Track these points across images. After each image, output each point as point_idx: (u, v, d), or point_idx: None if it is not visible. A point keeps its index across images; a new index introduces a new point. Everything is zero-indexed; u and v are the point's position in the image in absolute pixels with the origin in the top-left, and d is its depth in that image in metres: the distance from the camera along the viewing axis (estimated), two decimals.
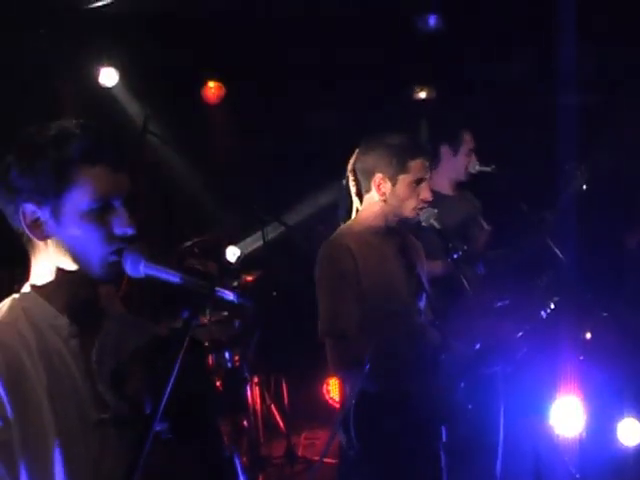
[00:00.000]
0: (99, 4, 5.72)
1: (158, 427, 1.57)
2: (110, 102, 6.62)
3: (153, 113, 5.72)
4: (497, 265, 4.19)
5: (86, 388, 1.73)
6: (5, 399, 1.64)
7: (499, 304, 3.58)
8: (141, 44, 6.27)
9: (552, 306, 3.34)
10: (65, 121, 1.73)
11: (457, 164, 4.41)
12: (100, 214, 1.69)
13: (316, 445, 5.92)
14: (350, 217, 3.27)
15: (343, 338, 3.01)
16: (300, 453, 5.74)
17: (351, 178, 3.22)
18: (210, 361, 5.38)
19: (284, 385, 6.14)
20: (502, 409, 3.64)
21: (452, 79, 6.64)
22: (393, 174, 3.09)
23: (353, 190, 3.23)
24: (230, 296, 1.59)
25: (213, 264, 5.87)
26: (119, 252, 1.69)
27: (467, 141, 4.41)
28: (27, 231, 1.71)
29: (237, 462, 1.78)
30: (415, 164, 3.09)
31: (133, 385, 1.70)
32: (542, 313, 3.35)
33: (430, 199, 3.14)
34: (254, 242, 6.61)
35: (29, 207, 1.69)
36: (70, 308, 1.76)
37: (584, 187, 4.30)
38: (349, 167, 3.23)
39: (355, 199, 3.24)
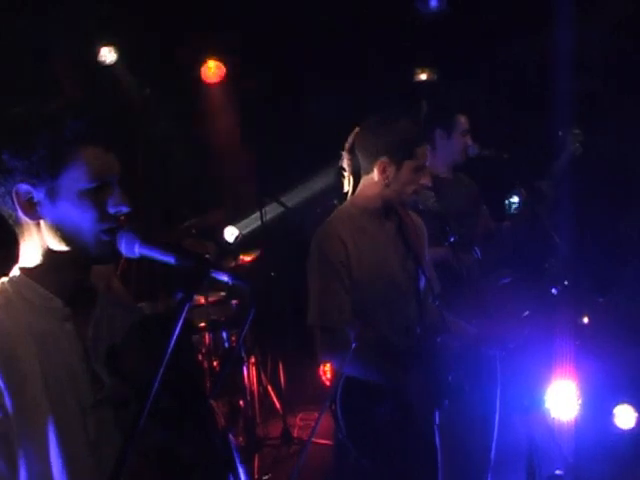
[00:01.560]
0: None
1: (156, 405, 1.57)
2: (109, 80, 6.59)
3: (152, 92, 5.71)
4: (496, 248, 4.20)
5: (82, 370, 1.73)
6: (3, 387, 1.64)
7: (503, 281, 3.58)
8: (140, 22, 6.24)
9: (565, 283, 3.34)
10: (58, 101, 1.73)
11: (452, 147, 4.43)
12: (95, 193, 1.70)
13: (312, 426, 5.94)
14: (345, 197, 3.24)
15: (331, 330, 3.00)
16: (296, 434, 5.76)
17: (347, 157, 3.20)
18: (207, 341, 5.40)
19: (281, 366, 6.14)
20: (498, 391, 3.65)
21: (453, 61, 6.61)
22: (399, 159, 3.07)
23: (348, 169, 3.21)
24: (225, 277, 1.59)
25: (211, 244, 5.87)
26: (113, 231, 1.69)
27: (461, 123, 4.43)
28: (20, 212, 1.71)
29: (231, 441, 1.79)
30: (421, 150, 3.09)
31: (128, 364, 1.70)
32: (553, 290, 3.35)
33: (429, 184, 3.14)
34: (252, 223, 6.61)
35: (23, 187, 1.69)
36: (63, 290, 1.75)
37: (579, 152, 4.32)
38: (346, 146, 3.19)
39: (349, 178, 3.22)
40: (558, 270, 3.60)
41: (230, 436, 1.76)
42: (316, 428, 2.37)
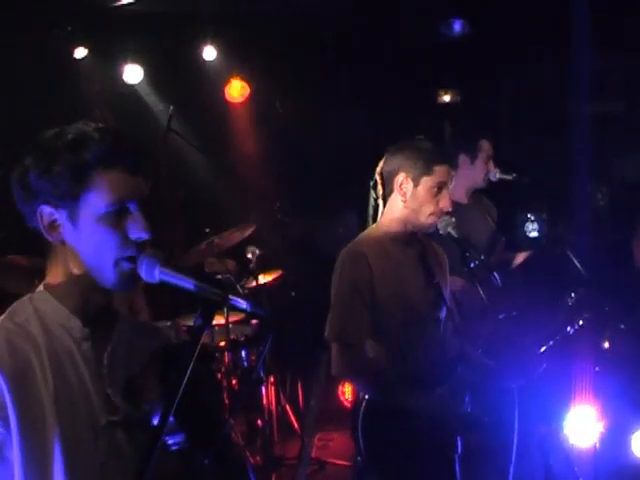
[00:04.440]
0: (124, 2, 5.78)
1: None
2: (134, 99, 6.68)
3: (176, 111, 5.77)
4: (514, 278, 4.19)
5: (96, 391, 1.75)
6: (8, 401, 1.66)
7: (501, 316, 3.57)
8: (165, 42, 6.33)
9: (581, 322, 3.32)
10: (83, 124, 1.75)
11: (474, 172, 4.42)
12: (116, 218, 1.71)
13: (330, 446, 5.93)
14: (375, 220, 3.29)
15: (349, 346, 3.04)
16: (314, 454, 5.75)
17: (379, 181, 3.25)
18: (226, 360, 5.42)
19: (299, 386, 6.15)
20: (516, 423, 3.64)
21: (476, 83, 6.64)
22: (417, 175, 3.10)
23: (379, 193, 3.25)
24: (243, 304, 1.61)
25: (232, 263, 5.90)
26: (133, 259, 1.70)
27: (485, 149, 4.42)
28: (44, 232, 1.74)
29: (249, 469, 1.80)
30: (440, 169, 3.11)
31: (146, 394, 1.71)
32: (569, 329, 3.33)
33: (449, 209, 3.14)
34: (274, 241, 6.63)
35: (46, 209, 1.72)
36: (83, 310, 1.78)
37: (601, 203, 4.30)
38: (377, 170, 3.25)
39: (380, 202, 3.26)
40: (581, 302, 3.57)
41: (248, 464, 1.77)
42: (308, 453, 2.37)
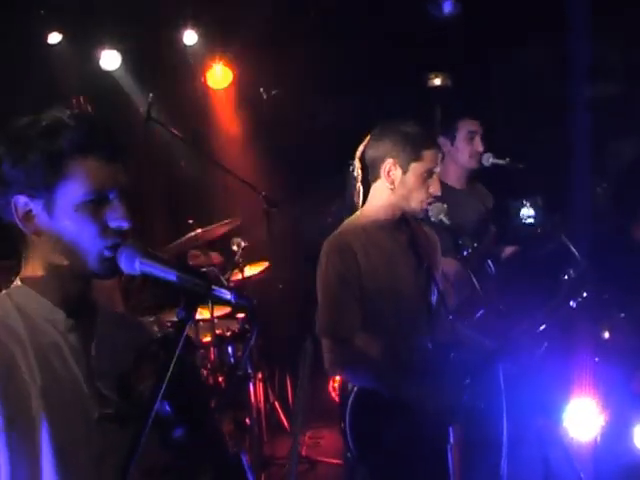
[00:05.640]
0: None
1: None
2: (112, 87, 6.63)
3: (156, 98, 5.74)
4: (510, 265, 4.19)
5: (86, 384, 1.75)
6: None
7: (478, 314, 3.57)
8: (144, 26, 6.29)
9: (584, 294, 3.31)
10: (57, 111, 1.75)
11: (458, 154, 4.41)
12: (94, 207, 1.72)
13: (321, 445, 5.92)
14: (355, 206, 3.28)
15: (340, 340, 3.04)
16: (304, 453, 5.75)
17: (358, 165, 3.23)
18: (212, 356, 5.41)
19: (288, 382, 6.14)
20: (504, 406, 3.64)
21: (468, 66, 6.62)
22: (405, 161, 3.10)
23: (358, 179, 3.24)
24: (227, 295, 1.61)
25: (217, 255, 5.88)
26: (114, 248, 1.70)
27: (464, 127, 4.39)
28: (19, 224, 1.74)
29: (244, 460, 1.82)
30: (429, 154, 3.11)
31: (140, 388, 1.72)
32: (572, 302, 3.33)
33: (439, 193, 3.14)
34: (259, 233, 6.60)
35: (21, 200, 1.72)
36: (65, 302, 1.78)
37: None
38: (357, 154, 3.24)
39: (359, 187, 3.25)
40: (577, 283, 3.57)
41: (243, 456, 1.79)
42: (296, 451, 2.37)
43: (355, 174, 3.25)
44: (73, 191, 1.70)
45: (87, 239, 1.71)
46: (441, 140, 4.39)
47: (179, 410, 1.63)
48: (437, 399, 3.00)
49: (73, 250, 1.72)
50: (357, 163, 3.24)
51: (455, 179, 4.44)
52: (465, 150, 4.41)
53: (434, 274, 3.25)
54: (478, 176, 4.60)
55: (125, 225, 1.72)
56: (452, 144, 4.42)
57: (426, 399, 2.99)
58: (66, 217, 1.71)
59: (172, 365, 1.54)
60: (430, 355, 3.12)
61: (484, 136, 4.48)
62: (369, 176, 3.22)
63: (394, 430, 2.96)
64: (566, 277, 3.51)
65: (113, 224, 1.72)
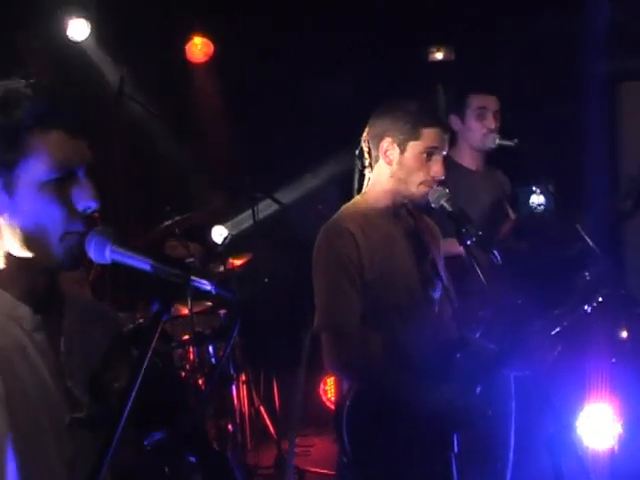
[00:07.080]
0: None
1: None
2: (80, 59, 6.55)
3: (130, 73, 5.68)
4: (522, 260, 4.15)
5: (56, 386, 1.73)
6: None
7: (481, 313, 3.55)
8: None
9: (600, 299, 3.29)
10: (14, 81, 1.72)
11: (469, 132, 4.35)
12: (59, 186, 1.69)
13: (311, 453, 5.91)
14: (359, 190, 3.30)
15: (341, 336, 3.02)
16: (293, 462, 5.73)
17: (365, 148, 3.25)
18: (192, 356, 5.37)
19: (275, 384, 6.12)
20: (513, 413, 3.63)
21: (471, 38, 6.59)
22: (403, 139, 3.11)
23: (366, 162, 3.25)
24: (208, 286, 1.59)
25: (197, 246, 5.85)
26: (81, 235, 1.67)
27: (474, 104, 4.33)
28: None
29: (230, 460, 1.83)
30: (429, 132, 3.11)
31: (113, 385, 1.73)
32: (586, 307, 3.31)
33: (442, 176, 3.12)
34: (243, 222, 6.58)
35: None
36: (30, 296, 1.75)
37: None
38: (363, 136, 3.26)
39: (367, 173, 3.26)
40: (593, 287, 3.54)
41: (229, 456, 1.80)
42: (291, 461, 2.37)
43: (363, 159, 3.26)
44: (35, 169, 1.66)
45: (52, 223, 1.67)
46: (452, 119, 4.35)
47: (156, 411, 1.60)
48: (441, 403, 2.98)
49: (37, 236, 1.68)
50: (364, 145, 3.26)
51: (470, 160, 4.38)
52: (476, 129, 4.33)
53: (438, 266, 3.25)
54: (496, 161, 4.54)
55: (93, 205, 1.69)
56: (463, 122, 4.36)
57: (429, 403, 2.96)
58: (28, 198, 1.67)
59: (146, 362, 1.52)
60: (435, 354, 3.09)
61: (499, 113, 4.39)
62: (372, 159, 3.24)
63: (394, 435, 2.95)
64: (582, 280, 3.48)
65: (80, 205, 1.68)
